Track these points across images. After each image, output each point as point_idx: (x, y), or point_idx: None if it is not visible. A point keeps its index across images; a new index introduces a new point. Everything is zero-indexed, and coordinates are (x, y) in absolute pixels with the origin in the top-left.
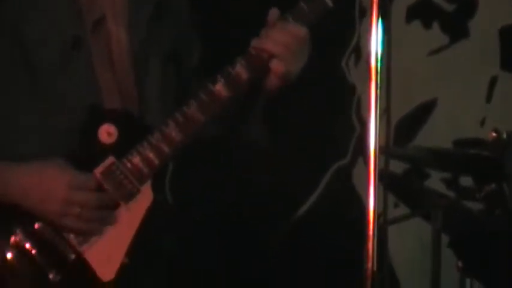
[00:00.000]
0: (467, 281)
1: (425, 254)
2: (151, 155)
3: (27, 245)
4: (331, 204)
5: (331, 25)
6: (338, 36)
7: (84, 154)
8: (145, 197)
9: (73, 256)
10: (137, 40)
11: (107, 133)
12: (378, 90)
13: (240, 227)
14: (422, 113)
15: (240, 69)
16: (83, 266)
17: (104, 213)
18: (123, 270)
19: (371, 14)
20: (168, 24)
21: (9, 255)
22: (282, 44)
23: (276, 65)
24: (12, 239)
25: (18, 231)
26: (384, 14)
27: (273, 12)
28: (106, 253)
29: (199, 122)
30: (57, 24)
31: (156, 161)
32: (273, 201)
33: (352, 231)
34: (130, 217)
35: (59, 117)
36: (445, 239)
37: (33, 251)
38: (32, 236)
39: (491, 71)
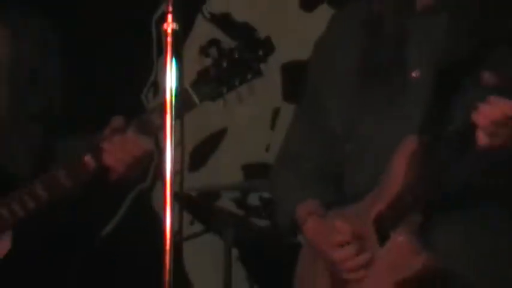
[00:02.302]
0: None
1: (219, 267)
2: (17, 208)
3: None
4: (133, 224)
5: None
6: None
7: None
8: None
9: None
10: (16, 97)
11: None
12: (173, 121)
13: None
14: (214, 140)
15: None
16: None
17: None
18: None
19: (165, 54)
20: (45, 79)
21: None
22: (121, 158)
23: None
24: None
25: None
26: (178, 54)
27: (117, 120)
28: None
29: (66, 186)
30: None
31: (21, 213)
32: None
33: (151, 247)
34: None
35: None
36: (235, 252)
37: None
38: None
39: (274, 102)
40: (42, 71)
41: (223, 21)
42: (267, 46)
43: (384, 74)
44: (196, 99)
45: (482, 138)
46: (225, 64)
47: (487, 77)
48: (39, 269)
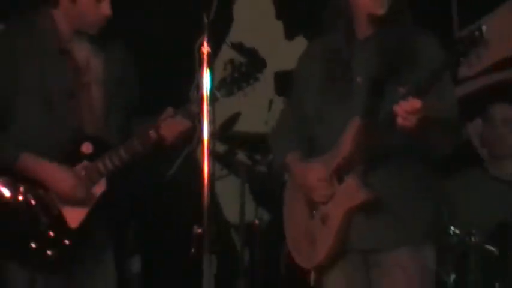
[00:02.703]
0: (259, 209)
1: (237, 195)
2: (108, 163)
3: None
4: (185, 171)
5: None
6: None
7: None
8: (102, 186)
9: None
10: (109, 96)
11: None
12: (209, 107)
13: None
14: (234, 118)
15: (152, 133)
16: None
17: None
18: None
19: (203, 67)
20: (126, 84)
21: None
22: (172, 133)
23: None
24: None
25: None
26: (211, 67)
27: (169, 109)
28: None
29: (138, 150)
30: None
31: (110, 166)
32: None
33: (195, 184)
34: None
35: None
36: (247, 187)
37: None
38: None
39: (270, 95)
40: (124, 79)
41: (238, 46)
42: (262, 63)
43: (340, 80)
44: (219, 96)
45: (399, 121)
46: (236, 75)
47: (400, 90)
48: (125, 200)
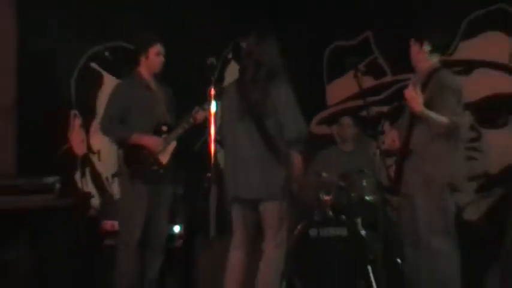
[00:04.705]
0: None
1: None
2: (175, 134)
3: None
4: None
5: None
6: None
7: None
8: (173, 144)
9: None
10: (166, 108)
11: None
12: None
13: None
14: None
15: (194, 116)
16: None
17: None
18: None
19: (211, 98)
20: (170, 104)
21: None
22: (201, 118)
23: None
24: None
25: None
26: (218, 98)
27: (196, 108)
28: None
29: (191, 124)
30: None
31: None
32: None
33: None
34: None
35: None
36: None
37: None
38: None
39: None
40: (169, 102)
41: None
42: None
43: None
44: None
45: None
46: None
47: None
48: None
